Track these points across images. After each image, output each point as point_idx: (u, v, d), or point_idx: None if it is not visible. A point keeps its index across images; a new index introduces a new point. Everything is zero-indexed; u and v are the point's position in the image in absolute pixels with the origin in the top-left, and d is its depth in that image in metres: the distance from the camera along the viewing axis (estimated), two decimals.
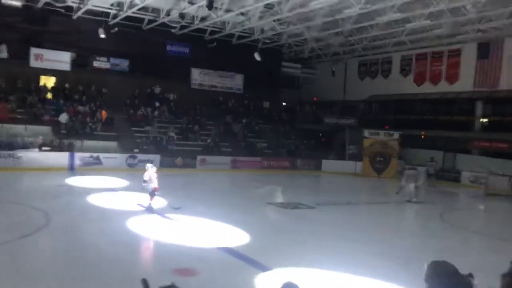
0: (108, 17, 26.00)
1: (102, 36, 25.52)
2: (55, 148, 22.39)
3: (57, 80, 27.14)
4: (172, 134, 26.81)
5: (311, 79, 36.72)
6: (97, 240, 9.85)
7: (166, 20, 25.79)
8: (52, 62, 26.29)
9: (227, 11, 23.63)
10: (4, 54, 25.10)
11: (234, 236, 10.74)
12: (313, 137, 32.45)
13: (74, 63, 27.14)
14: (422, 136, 28.13)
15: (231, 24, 27.06)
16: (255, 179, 23.61)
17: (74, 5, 24.75)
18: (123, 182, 18.82)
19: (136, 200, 14.00)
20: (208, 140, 27.56)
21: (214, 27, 28.09)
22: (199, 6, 22.35)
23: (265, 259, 8.83)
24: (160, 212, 12.84)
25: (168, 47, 29.80)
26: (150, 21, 26.70)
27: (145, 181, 12.93)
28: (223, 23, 27.09)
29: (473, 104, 26.89)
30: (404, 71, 30.47)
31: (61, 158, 21.90)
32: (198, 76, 31.70)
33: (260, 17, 24.82)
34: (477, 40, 25.71)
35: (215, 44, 29.82)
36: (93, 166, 22.33)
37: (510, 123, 24.83)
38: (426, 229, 13.32)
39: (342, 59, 33.95)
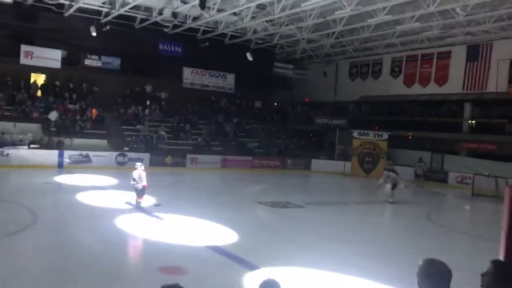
0: (100, 15, 25.94)
1: (94, 34, 25.45)
2: (44, 146, 22.30)
3: (47, 77, 27.02)
4: (163, 133, 26.79)
5: (303, 80, 36.88)
6: (85, 239, 9.85)
7: (158, 19, 25.77)
8: (42, 59, 26.15)
9: (220, 10, 23.66)
10: None
11: (223, 235, 10.78)
12: (304, 137, 32.65)
13: (65, 61, 27.01)
14: (409, 137, 28.39)
15: (224, 24, 27.10)
16: (245, 178, 23.68)
17: (66, 2, 24.63)
18: (113, 181, 18.80)
19: (125, 198, 14.00)
20: (199, 139, 27.58)
21: (206, 27, 28.12)
22: (192, 6, 22.37)
23: (253, 258, 8.89)
24: (149, 211, 12.86)
25: (160, 46, 29.77)
26: (142, 20, 26.66)
27: (134, 180, 12.95)
28: (216, 22, 27.13)
29: (462, 106, 27.17)
30: (394, 73, 30.71)
31: (50, 156, 21.83)
32: (190, 75, 31.70)
33: (253, 17, 24.89)
34: (466, 43, 26.00)
35: (207, 43, 29.84)
36: (83, 164, 22.28)
37: (497, 125, 25.17)
38: (414, 229, 13.45)
39: (334, 60, 34.15)
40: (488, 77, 25.27)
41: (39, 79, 26.94)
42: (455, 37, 25.16)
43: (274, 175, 26.36)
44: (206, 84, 32.28)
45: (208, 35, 29.17)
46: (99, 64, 28.29)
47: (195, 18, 26.03)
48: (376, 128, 29.00)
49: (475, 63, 25.87)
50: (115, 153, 23.67)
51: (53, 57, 26.49)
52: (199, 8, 20.84)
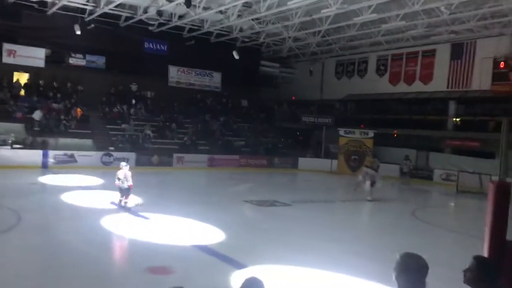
0: (84, 14, 25.62)
1: (78, 32, 25.17)
2: (28, 146, 22.00)
3: (30, 76, 26.66)
4: (149, 132, 26.61)
5: (289, 78, 36.93)
6: (70, 239, 9.73)
7: (143, 17, 25.57)
8: (25, 58, 25.79)
9: (205, 9, 23.57)
10: None
11: (210, 234, 10.75)
12: (291, 135, 32.72)
13: (48, 59, 26.68)
14: (395, 135, 28.63)
15: (210, 22, 26.99)
16: (232, 177, 23.65)
17: (49, 0, 24.31)
18: (98, 180, 18.63)
19: (110, 198, 13.88)
20: (185, 138, 27.45)
21: (192, 25, 27.98)
22: (177, 4, 22.24)
23: (240, 257, 8.89)
24: (135, 211, 12.77)
25: (146, 45, 29.55)
26: (127, 18, 26.43)
27: (119, 179, 12.83)
28: (202, 21, 27.02)
29: (446, 104, 27.45)
30: (380, 71, 30.92)
31: (34, 156, 21.54)
32: (176, 74, 31.53)
33: (239, 16, 24.83)
34: (451, 41, 26.27)
35: (193, 42, 29.72)
36: (67, 164, 22.03)
37: (481, 123, 25.48)
38: (399, 227, 13.56)
39: (320, 58, 34.27)
40: (472, 75, 25.57)
41: (22, 78, 26.56)
42: (439, 36, 25.39)
43: (261, 173, 26.36)
44: (192, 83, 32.14)
45: (194, 34, 29.04)
46: (83, 62, 28.00)
47: (180, 16, 25.89)
48: (362, 126, 29.17)
49: (459, 61, 26.16)
50: (100, 153, 23.45)
51: (36, 55, 26.14)
52: (185, 6, 20.74)
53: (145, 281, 7.58)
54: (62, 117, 24.79)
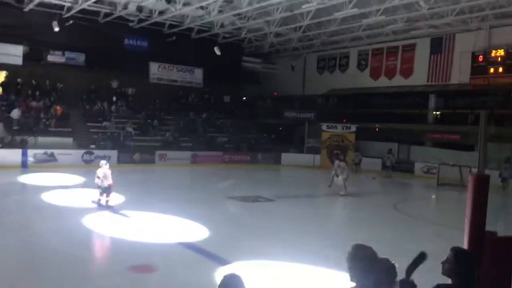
0: (63, 10, 25.18)
1: (56, 29, 24.73)
2: (6, 145, 21.61)
3: (8, 74, 26.11)
4: (130, 129, 26.36)
5: (272, 74, 36.93)
6: (51, 239, 9.61)
7: (123, 13, 25.28)
8: (2, 56, 25.22)
9: (186, 4, 23.38)
10: None
11: (194, 231, 10.73)
12: (274, 131, 32.78)
13: (26, 57, 26.14)
14: (376, 129, 28.91)
15: (190, 18, 26.80)
16: (216, 173, 23.59)
17: None
18: (79, 179, 18.39)
19: (92, 197, 13.73)
20: (167, 135, 27.27)
21: (173, 21, 27.76)
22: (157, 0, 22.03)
23: (224, 253, 8.90)
24: (116, 209, 12.65)
25: (126, 41, 29.20)
26: (106, 14, 26.08)
27: (98, 177, 12.68)
28: (182, 16, 26.82)
29: (426, 97, 27.80)
30: (361, 66, 31.13)
31: (13, 155, 21.16)
32: (157, 70, 31.26)
33: (220, 11, 24.70)
34: (430, 36, 26.57)
35: (174, 38, 29.46)
36: (48, 163, 21.71)
37: (461, 116, 25.89)
38: (381, 219, 13.69)
39: (301, 54, 34.34)
40: (451, 69, 25.90)
41: None
42: (419, 30, 25.69)
43: (244, 169, 26.36)
44: (174, 79, 31.91)
45: (175, 30, 28.82)
46: (62, 60, 27.55)
47: (160, 12, 25.64)
48: (344, 120, 29.38)
49: (439, 55, 26.48)
50: (81, 151, 23.16)
51: (14, 53, 25.59)
52: (165, 2, 20.54)
53: (128, 280, 7.52)
54: (42, 115, 24.39)
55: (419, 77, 27.47)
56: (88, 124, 25.94)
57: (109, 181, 12.64)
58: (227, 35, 30.66)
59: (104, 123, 26.17)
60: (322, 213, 15.29)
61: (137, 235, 10.09)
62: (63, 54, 27.49)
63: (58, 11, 25.14)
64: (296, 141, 32.41)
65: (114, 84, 29.58)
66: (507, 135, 19.47)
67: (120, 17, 26.03)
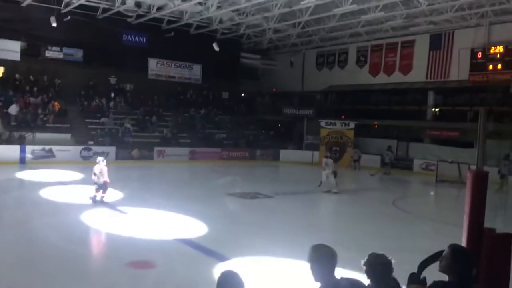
0: (61, 5, 25.06)
1: (54, 24, 24.61)
2: (4, 141, 21.55)
3: (6, 70, 26.01)
4: (128, 125, 26.30)
5: (270, 70, 36.86)
6: (50, 235, 9.58)
7: (121, 8, 25.17)
8: (0, 51, 25.13)
9: (184, 0, 23.30)
10: None
11: (192, 227, 10.72)
12: (272, 127, 32.74)
13: (24, 52, 26.02)
14: (375, 126, 28.90)
15: (189, 14, 26.71)
16: (214, 170, 23.57)
17: None
18: (77, 175, 18.36)
19: (90, 193, 13.71)
20: (165, 131, 27.23)
21: (171, 17, 27.67)
22: None
23: (223, 249, 8.90)
24: (113, 206, 12.62)
25: (124, 37, 29.10)
26: (105, 10, 25.97)
27: (95, 174, 12.65)
28: (181, 12, 26.72)
29: (425, 94, 27.78)
30: (360, 62, 31.08)
31: (11, 151, 21.10)
32: (155, 66, 31.19)
33: (218, 7, 24.63)
34: (429, 32, 26.53)
35: (172, 34, 29.38)
36: (46, 159, 21.66)
37: (460, 112, 25.88)
38: (380, 216, 13.70)
39: (300, 50, 34.25)
40: (450, 65, 25.87)
41: None
42: (418, 27, 25.65)
43: (243, 166, 26.34)
44: (172, 75, 31.83)
45: (173, 25, 28.73)
46: (60, 55, 27.44)
47: (159, 8, 25.56)
48: (343, 117, 29.36)
49: (438, 52, 26.44)
50: (79, 147, 23.11)
51: (12, 48, 25.47)
52: None
53: (127, 276, 7.52)
54: (40, 111, 24.33)
55: (418, 73, 27.44)
56: (86, 120, 25.90)
57: (104, 178, 12.60)
58: (225, 31, 30.58)
59: (102, 119, 26.11)
60: (321, 209, 15.31)
61: (136, 232, 10.07)
62: (61, 50, 27.40)
63: (56, 7, 24.99)
64: (295, 138, 32.39)
65: (112, 80, 29.51)
66: (506, 132, 19.49)
67: (118, 13, 25.92)
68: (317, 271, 3.00)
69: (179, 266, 7.98)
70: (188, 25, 28.88)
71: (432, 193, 21.01)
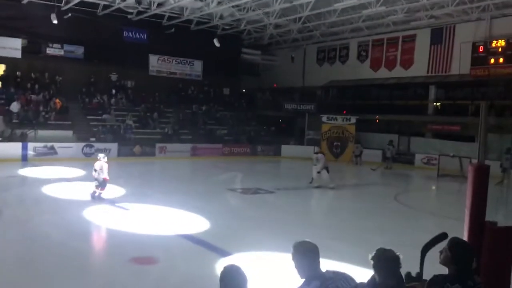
0: (61, 3, 25.03)
1: (55, 22, 24.57)
2: (6, 139, 21.60)
3: (7, 67, 26.04)
4: (130, 122, 26.35)
5: (271, 66, 36.80)
6: (53, 232, 9.60)
7: (122, 5, 25.14)
8: (1, 49, 25.15)
9: None
10: None
11: (194, 223, 10.75)
12: (273, 123, 32.75)
13: (25, 50, 26.07)
14: (377, 121, 28.88)
15: (190, 10, 26.66)
16: (216, 166, 23.61)
17: None
18: (79, 172, 18.40)
19: (91, 190, 13.75)
20: (167, 129, 27.26)
21: (172, 13, 27.61)
22: None
23: (225, 244, 8.92)
24: (115, 202, 12.66)
25: (125, 33, 29.05)
26: (105, 7, 25.93)
27: (95, 170, 12.68)
28: (181, 8, 26.68)
29: (427, 88, 27.74)
30: (361, 57, 31.01)
31: (13, 148, 21.16)
32: (156, 63, 31.18)
33: (219, 3, 24.57)
34: (430, 26, 26.45)
35: (173, 30, 29.33)
36: (48, 156, 21.73)
37: (461, 107, 25.84)
38: (381, 211, 13.71)
39: (301, 45, 34.19)
40: (451, 59, 25.81)
41: None
42: (419, 21, 25.56)
43: (244, 162, 26.36)
44: (173, 72, 31.82)
45: (174, 22, 28.68)
46: (61, 52, 27.45)
47: (159, 4, 25.52)
48: (344, 112, 29.33)
49: (439, 46, 26.38)
50: (81, 144, 23.16)
51: (12, 46, 25.51)
52: None
53: (130, 271, 7.55)
54: (41, 108, 24.36)
55: (419, 68, 27.38)
56: (88, 117, 25.93)
57: (104, 175, 12.62)
58: (226, 27, 30.52)
59: (104, 116, 26.16)
60: (323, 204, 15.32)
61: (138, 228, 10.10)
62: (62, 47, 27.40)
63: (56, 4, 24.96)
64: (296, 133, 32.38)
65: (113, 76, 29.51)
66: (507, 126, 19.46)
67: (119, 9, 25.90)
68: (300, 268, 3.07)
69: (182, 262, 8.01)
70: (189, 21, 28.83)
71: (433, 187, 21.01)
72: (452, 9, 23.10)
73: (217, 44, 29.30)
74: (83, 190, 14.03)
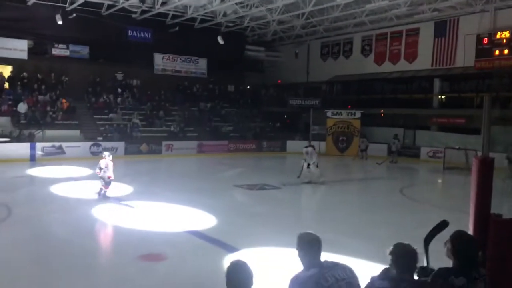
0: (65, 3, 25.16)
1: (60, 22, 24.75)
2: (14, 139, 21.80)
3: (14, 69, 26.28)
4: (136, 120, 26.51)
5: (275, 62, 36.81)
6: (62, 231, 9.75)
7: (126, 4, 25.22)
8: (7, 50, 25.31)
9: None
10: None
11: (201, 219, 10.84)
12: (278, 119, 32.79)
13: (31, 51, 26.24)
14: (382, 115, 28.85)
15: (193, 8, 26.72)
16: (222, 162, 23.71)
17: None
18: (87, 171, 18.51)
19: (97, 189, 13.89)
20: (173, 127, 27.39)
21: (175, 11, 27.66)
22: None
23: (232, 240, 9.00)
24: (122, 200, 12.78)
25: (129, 33, 29.08)
26: (109, 6, 26.01)
27: (100, 168, 12.79)
28: (185, 7, 26.73)
29: (431, 81, 27.65)
30: (365, 51, 30.95)
31: (21, 149, 21.37)
32: (161, 61, 31.27)
33: (222, 0, 24.59)
34: (434, 19, 26.35)
35: (177, 28, 29.41)
36: (56, 156, 21.93)
37: (466, 99, 25.75)
38: (388, 205, 13.76)
39: (305, 41, 34.15)
40: (455, 52, 25.71)
41: (5, 70, 26.17)
42: (422, 14, 25.47)
43: (250, 158, 26.47)
44: (178, 70, 31.91)
45: (178, 20, 28.73)
46: (67, 53, 27.61)
47: (163, 3, 25.56)
48: (349, 107, 29.33)
49: (443, 39, 26.27)
50: (88, 143, 23.35)
51: (18, 47, 25.67)
52: None
53: (138, 268, 7.64)
54: (48, 108, 24.56)
55: (423, 61, 27.29)
56: (95, 116, 26.12)
57: (108, 173, 12.73)
58: (230, 24, 30.54)
59: (111, 115, 26.34)
60: (329, 199, 15.36)
61: (146, 225, 10.21)
62: (67, 47, 27.54)
63: (61, 4, 25.11)
64: (301, 129, 32.40)
65: (119, 76, 29.67)
66: None
67: (123, 9, 25.98)
68: (303, 257, 3.28)
69: (189, 258, 8.11)
70: (193, 19, 28.87)
71: (439, 180, 21.00)
72: (456, 1, 23.04)
73: (221, 41, 29.36)
74: (91, 189, 14.18)
